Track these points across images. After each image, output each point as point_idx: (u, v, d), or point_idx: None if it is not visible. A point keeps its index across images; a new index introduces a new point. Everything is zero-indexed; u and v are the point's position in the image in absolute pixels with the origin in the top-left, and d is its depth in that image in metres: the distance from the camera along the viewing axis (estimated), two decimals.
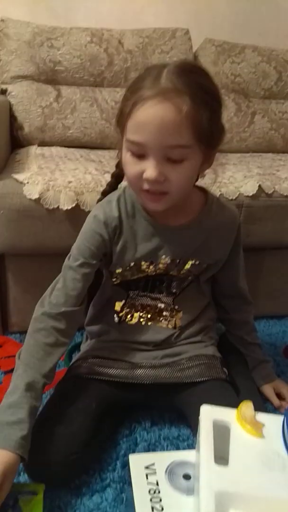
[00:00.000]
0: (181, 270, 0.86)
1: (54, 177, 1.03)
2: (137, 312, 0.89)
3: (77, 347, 1.08)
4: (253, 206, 1.11)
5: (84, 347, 0.95)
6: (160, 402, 0.88)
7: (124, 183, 0.88)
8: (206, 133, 0.69)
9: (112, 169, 0.92)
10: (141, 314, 0.89)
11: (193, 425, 0.83)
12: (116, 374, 0.84)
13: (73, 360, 0.91)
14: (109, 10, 1.78)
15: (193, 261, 0.85)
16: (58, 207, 0.99)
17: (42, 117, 1.49)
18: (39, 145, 1.48)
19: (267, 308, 1.27)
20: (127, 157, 0.71)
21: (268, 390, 0.95)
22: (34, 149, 1.39)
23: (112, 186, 0.89)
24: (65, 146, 1.50)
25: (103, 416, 0.79)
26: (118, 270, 0.85)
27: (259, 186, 1.11)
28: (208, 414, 0.59)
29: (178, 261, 0.84)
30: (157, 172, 0.68)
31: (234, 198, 1.09)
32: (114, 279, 0.87)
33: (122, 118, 0.71)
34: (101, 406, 0.80)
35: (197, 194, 0.86)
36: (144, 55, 1.59)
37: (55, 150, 1.42)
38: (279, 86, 1.74)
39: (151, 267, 0.84)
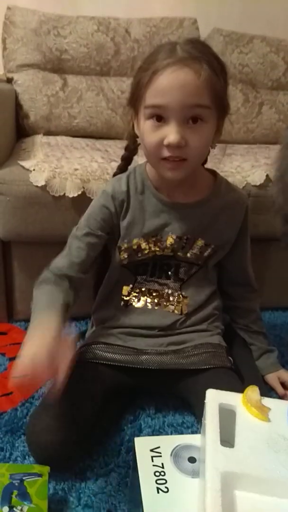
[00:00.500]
0: (187, 252, 0.86)
1: (60, 164, 1.03)
2: (144, 296, 0.90)
3: (82, 335, 1.08)
4: (260, 196, 1.10)
5: (89, 333, 0.95)
6: (165, 388, 0.88)
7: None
8: (221, 99, 0.74)
9: (119, 158, 0.95)
10: (148, 298, 0.90)
11: (197, 412, 0.83)
12: (121, 359, 0.84)
13: (78, 347, 0.91)
14: None
15: (201, 243, 0.86)
16: (64, 194, 0.99)
17: (48, 106, 1.49)
18: (44, 134, 1.47)
19: (273, 299, 1.26)
20: (146, 125, 0.74)
21: (273, 379, 0.95)
22: (40, 138, 1.39)
23: (122, 169, 0.92)
24: (70, 136, 1.50)
25: (107, 400, 0.80)
26: (126, 245, 0.86)
27: (267, 175, 1.10)
28: (214, 397, 0.59)
29: (185, 240, 0.85)
30: (179, 136, 0.70)
31: (241, 187, 1.08)
32: (122, 257, 0.87)
33: (139, 90, 0.74)
34: (105, 390, 0.80)
35: (206, 175, 0.89)
36: (151, 44, 1.58)
37: (60, 139, 1.42)
38: (287, 77, 1.72)
39: (158, 244, 0.85)
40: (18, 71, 1.51)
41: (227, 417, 0.58)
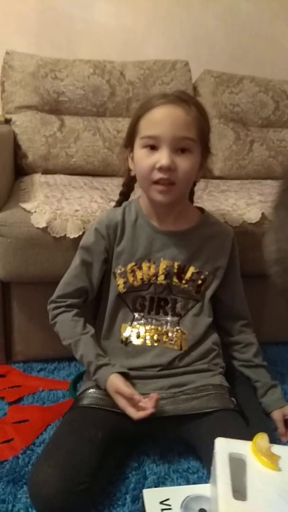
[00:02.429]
0: (182, 280, 0.90)
1: (61, 205, 1.05)
2: (143, 333, 0.91)
3: (80, 377, 1.07)
4: (257, 233, 1.12)
5: (88, 377, 0.93)
6: (168, 433, 0.87)
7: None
8: (205, 137, 0.87)
9: (116, 196, 1.02)
10: (147, 335, 0.91)
11: (203, 457, 0.81)
12: None
13: (78, 391, 0.90)
14: (110, 42, 1.84)
15: (193, 270, 0.91)
16: (65, 235, 1.00)
17: (46, 146, 1.52)
18: (42, 173, 1.50)
19: (271, 334, 1.27)
20: (141, 153, 0.84)
21: (278, 416, 0.94)
22: (38, 177, 1.41)
23: (120, 203, 0.99)
24: (68, 174, 1.52)
25: (109, 447, 0.78)
26: (121, 270, 0.91)
27: (262, 213, 1.12)
28: (223, 447, 0.58)
29: (177, 267, 0.90)
30: (170, 159, 0.80)
31: (238, 225, 1.10)
32: (118, 284, 0.91)
33: (135, 125, 0.86)
34: (108, 436, 0.79)
35: (194, 208, 0.98)
36: (145, 86, 1.64)
37: (58, 178, 1.44)
38: (276, 115, 1.78)
39: (151, 268, 0.90)
40: (16, 112, 1.54)
41: (238, 466, 0.57)
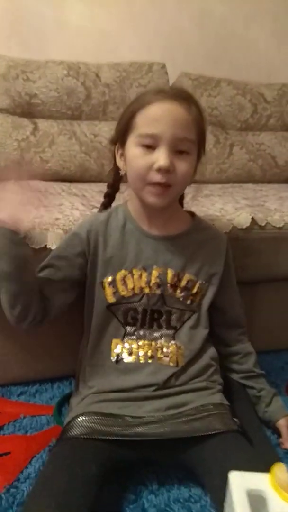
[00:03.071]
0: (176, 289, 0.85)
1: (39, 214, 0.97)
2: (136, 349, 0.84)
3: (65, 399, 0.99)
4: (247, 239, 1.08)
5: (75, 401, 0.85)
6: (166, 459, 0.80)
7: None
8: (203, 139, 0.82)
9: (98, 203, 0.96)
10: (140, 351, 0.84)
11: (206, 484, 0.75)
12: (117, 432, 0.75)
13: (66, 419, 0.82)
14: (83, 44, 1.77)
15: (188, 277, 0.86)
16: (45, 246, 0.91)
17: (19, 150, 1.43)
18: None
19: (264, 342, 1.22)
20: (136, 151, 0.77)
21: (285, 424, 0.89)
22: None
23: (106, 205, 0.94)
24: (43, 180, 1.44)
25: (105, 481, 0.70)
26: (110, 279, 0.84)
27: (252, 218, 1.08)
28: (240, 483, 0.52)
29: (171, 274, 0.84)
30: (169, 160, 0.74)
31: (228, 231, 1.05)
32: (107, 294, 0.84)
33: (129, 120, 0.78)
34: (103, 469, 0.71)
35: (185, 213, 0.93)
36: (121, 88, 1.58)
37: (33, 184, 1.36)
38: (254, 118, 1.76)
39: (143, 276, 0.84)
40: None
41: (256, 502, 0.51)
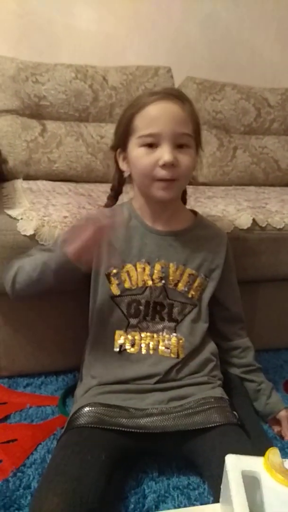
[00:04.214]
0: (178, 283, 0.88)
1: (48, 212, 1.00)
2: (138, 341, 0.87)
3: (70, 391, 1.02)
4: (248, 239, 1.11)
5: (80, 392, 0.88)
6: (168, 449, 0.83)
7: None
8: (199, 133, 0.86)
9: (103, 202, 1.00)
10: (142, 343, 0.87)
11: (205, 473, 0.78)
12: (123, 424, 0.78)
13: (72, 409, 0.85)
14: (91, 48, 1.81)
15: (189, 271, 0.89)
16: None
17: (27, 151, 1.47)
18: (24, 179, 1.44)
19: (262, 341, 1.25)
20: (139, 152, 0.82)
21: (287, 414, 0.94)
22: (20, 183, 1.36)
23: (109, 207, 0.97)
24: (50, 180, 1.48)
25: (114, 468, 0.73)
26: (115, 271, 0.88)
27: (253, 219, 1.11)
28: (235, 465, 0.55)
29: (173, 268, 0.88)
30: (173, 155, 0.79)
31: (229, 231, 1.08)
32: (112, 286, 0.87)
33: (128, 124, 0.83)
34: (112, 457, 0.74)
35: (188, 211, 0.97)
36: (128, 91, 1.61)
37: (41, 183, 1.39)
38: (258, 122, 1.79)
39: (146, 269, 0.87)
40: None
41: (251, 484, 0.54)
